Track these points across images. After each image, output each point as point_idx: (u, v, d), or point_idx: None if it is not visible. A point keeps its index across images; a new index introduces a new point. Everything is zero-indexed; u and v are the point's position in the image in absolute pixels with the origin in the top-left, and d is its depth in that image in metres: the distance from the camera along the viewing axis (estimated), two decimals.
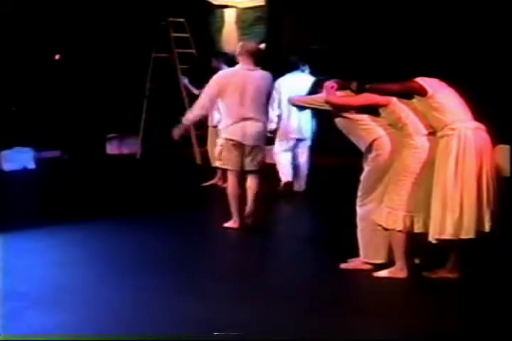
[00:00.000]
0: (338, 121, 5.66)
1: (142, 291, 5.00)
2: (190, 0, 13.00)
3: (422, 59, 6.16)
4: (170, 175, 10.98)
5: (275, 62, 9.53)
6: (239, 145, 6.91)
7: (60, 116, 12.60)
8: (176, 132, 7.26)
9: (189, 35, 12.63)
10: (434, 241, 5.13)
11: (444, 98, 5.23)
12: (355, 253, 5.61)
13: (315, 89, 5.83)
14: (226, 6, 13.34)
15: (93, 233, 6.82)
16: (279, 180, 9.14)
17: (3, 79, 11.51)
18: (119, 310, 4.64)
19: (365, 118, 5.51)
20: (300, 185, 9.33)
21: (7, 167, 11.14)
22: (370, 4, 10.82)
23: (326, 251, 6.19)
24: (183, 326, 4.34)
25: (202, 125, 10.15)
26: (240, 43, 7.25)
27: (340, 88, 5.56)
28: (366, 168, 5.53)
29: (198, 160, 11.86)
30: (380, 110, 5.43)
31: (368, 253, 5.57)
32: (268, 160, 7.85)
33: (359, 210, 5.57)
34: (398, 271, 5.34)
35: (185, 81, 10.83)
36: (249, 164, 7.02)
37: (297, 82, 8.34)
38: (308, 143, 9.31)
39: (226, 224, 7.03)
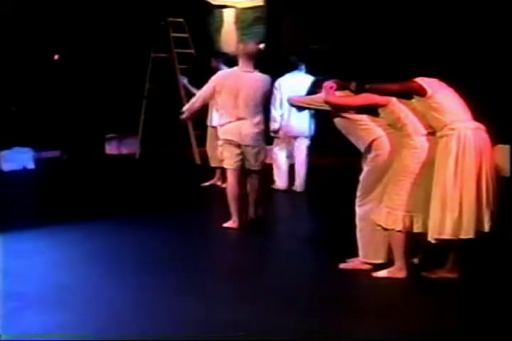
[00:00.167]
0: (337, 121, 5.66)
1: (142, 291, 5.00)
2: (189, 0, 13.00)
3: (422, 59, 6.15)
4: (169, 175, 10.98)
5: (274, 62, 9.53)
6: (238, 146, 6.95)
7: (59, 116, 12.61)
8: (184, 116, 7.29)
9: (188, 35, 12.64)
10: (433, 241, 5.13)
11: (444, 98, 5.23)
12: (355, 253, 5.61)
13: (314, 89, 5.83)
14: (225, 6, 13.33)
15: (93, 233, 6.83)
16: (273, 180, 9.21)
17: (2, 79, 11.51)
18: (119, 309, 4.64)
19: (364, 118, 5.50)
20: (299, 185, 9.34)
21: (6, 167, 11.15)
22: (369, 4, 10.82)
23: (325, 251, 6.19)
24: (183, 326, 4.35)
25: (201, 125, 10.17)
26: (241, 45, 7.29)
27: (340, 88, 5.57)
28: (365, 168, 5.53)
29: (197, 160, 11.87)
30: (380, 110, 5.43)
31: (367, 254, 5.56)
32: (268, 161, 7.88)
33: (358, 210, 5.56)
34: (397, 271, 5.34)
35: (185, 81, 10.83)
36: (251, 164, 7.07)
37: (297, 82, 8.37)
38: (306, 142, 9.32)
39: (225, 224, 7.05)
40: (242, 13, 13.12)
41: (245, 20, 13.05)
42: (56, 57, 13.18)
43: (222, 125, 7.02)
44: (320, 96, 5.65)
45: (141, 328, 4.28)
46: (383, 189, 5.39)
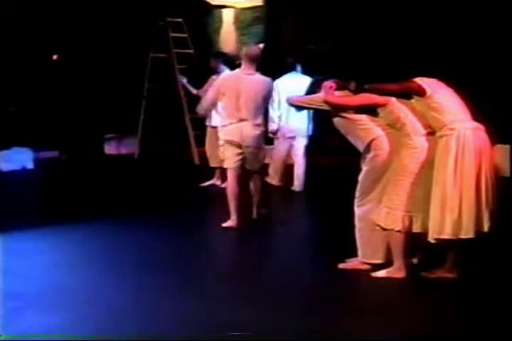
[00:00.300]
0: (336, 121, 5.66)
1: (142, 291, 5.01)
2: (188, 0, 13.01)
3: (421, 59, 6.16)
4: (168, 175, 10.99)
5: (274, 62, 9.53)
6: (239, 146, 7.03)
7: (58, 117, 12.62)
8: None
9: (187, 35, 12.64)
10: (433, 241, 5.14)
11: (443, 98, 5.23)
12: (354, 254, 5.61)
13: (313, 89, 5.83)
14: (224, 6, 13.36)
15: (93, 233, 6.84)
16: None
17: (1, 79, 11.51)
18: (119, 309, 4.64)
19: (363, 118, 5.50)
20: (298, 185, 9.36)
21: (5, 167, 11.16)
22: (368, 4, 10.83)
23: (324, 251, 6.20)
24: (183, 326, 4.35)
25: (200, 125, 10.18)
26: (243, 48, 7.39)
27: (339, 88, 5.56)
28: (364, 168, 5.53)
29: (196, 160, 11.87)
30: (379, 110, 5.43)
31: (366, 253, 5.57)
32: (267, 161, 7.90)
33: (357, 210, 5.56)
34: (396, 271, 5.35)
35: (184, 81, 10.83)
36: (251, 164, 7.16)
37: (294, 83, 8.41)
38: (304, 142, 9.34)
39: (224, 224, 7.06)
40: (241, 13, 13.14)
41: (244, 21, 13.07)
42: (55, 57, 13.18)
43: (224, 126, 7.11)
44: (319, 96, 5.65)
45: (141, 328, 4.28)
46: (382, 189, 5.39)
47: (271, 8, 12.67)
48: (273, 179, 9.31)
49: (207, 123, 9.73)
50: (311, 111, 8.07)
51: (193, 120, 11.95)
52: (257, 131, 7.07)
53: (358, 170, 5.60)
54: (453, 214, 5.00)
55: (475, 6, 9.72)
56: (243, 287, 5.22)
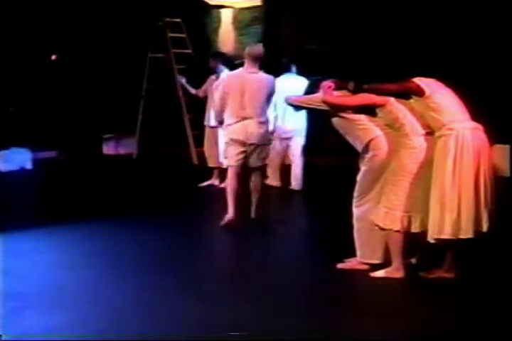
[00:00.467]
0: (335, 121, 5.67)
1: (142, 291, 5.01)
2: (186, 0, 13.02)
3: (420, 59, 6.17)
4: (167, 175, 10.98)
5: (272, 62, 9.53)
6: (243, 144, 7.11)
7: (56, 117, 12.61)
8: None
9: (186, 35, 12.64)
10: (432, 241, 5.14)
11: (442, 98, 5.24)
12: (352, 254, 5.62)
13: (312, 89, 5.84)
14: (223, 6, 13.36)
15: (93, 233, 6.85)
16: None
17: (0, 79, 11.51)
18: (119, 309, 4.65)
19: (362, 118, 5.51)
20: (297, 185, 9.37)
21: (4, 167, 11.15)
22: (367, 4, 10.84)
23: (323, 251, 6.20)
24: (183, 326, 4.36)
25: (198, 125, 10.19)
26: (247, 47, 7.44)
27: (338, 88, 5.57)
28: (363, 168, 5.54)
29: (195, 160, 11.87)
30: (377, 110, 5.44)
31: (364, 254, 5.57)
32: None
33: (356, 210, 5.57)
34: (395, 271, 5.35)
35: (183, 80, 10.84)
36: (254, 162, 7.24)
37: (289, 83, 8.44)
38: (302, 142, 9.36)
39: (222, 222, 7.07)
40: (239, 13, 13.15)
41: (243, 21, 13.08)
42: (53, 57, 13.18)
43: (229, 125, 7.17)
44: (318, 96, 5.65)
45: (142, 328, 4.29)
46: (381, 189, 5.40)
47: (269, 8, 12.68)
48: (271, 179, 9.32)
49: (205, 123, 9.74)
50: (308, 112, 8.07)
51: (191, 120, 11.97)
52: (262, 129, 7.17)
53: (357, 170, 5.60)
54: (452, 214, 5.01)
55: (473, 6, 9.73)
56: (243, 287, 5.23)
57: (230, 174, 7.22)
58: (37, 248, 6.22)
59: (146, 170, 11.67)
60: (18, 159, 11.49)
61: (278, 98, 8.49)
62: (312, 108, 5.97)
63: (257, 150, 7.19)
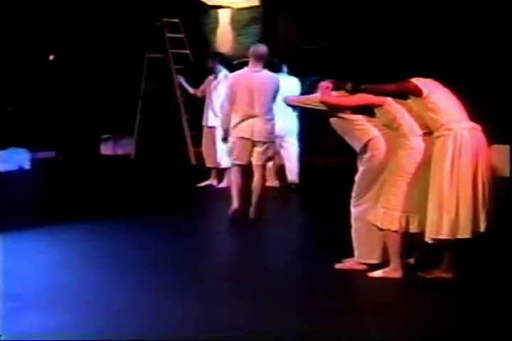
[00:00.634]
0: (333, 121, 5.67)
1: (142, 291, 5.02)
2: (184, 0, 13.02)
3: (418, 59, 6.19)
4: (165, 175, 10.99)
5: (271, 62, 9.54)
6: (249, 142, 7.23)
7: (55, 117, 12.62)
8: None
9: (183, 35, 12.66)
10: (430, 241, 5.15)
11: (440, 98, 5.24)
12: (350, 254, 5.63)
13: (310, 89, 5.85)
14: (220, 7, 13.36)
15: (92, 233, 6.86)
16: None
17: None
18: (119, 309, 4.66)
19: (360, 118, 5.51)
20: (292, 177, 9.39)
21: (2, 167, 11.15)
22: (365, 4, 10.85)
23: (321, 252, 6.20)
24: (183, 326, 4.37)
25: (197, 125, 10.20)
26: (252, 47, 7.52)
27: (336, 88, 5.57)
28: (361, 168, 5.54)
29: (193, 160, 11.88)
30: (375, 110, 5.44)
31: (362, 254, 5.57)
32: None
33: (354, 210, 5.57)
34: (393, 271, 5.35)
35: (181, 80, 10.85)
36: (257, 159, 7.33)
37: (281, 83, 8.42)
38: (295, 141, 9.38)
39: (229, 212, 7.20)
40: (237, 14, 13.15)
41: (241, 21, 13.08)
42: (52, 57, 13.19)
43: (236, 125, 7.26)
44: (316, 96, 5.66)
45: (142, 328, 4.30)
46: (379, 189, 5.40)
47: (267, 9, 12.69)
48: (268, 180, 9.33)
49: (203, 123, 9.74)
50: (298, 111, 8.07)
51: (189, 120, 11.98)
52: (268, 126, 7.29)
53: (355, 170, 5.61)
54: (450, 214, 5.02)
55: (472, 6, 9.74)
56: (243, 287, 5.24)
57: (236, 172, 7.35)
58: (37, 248, 6.23)
59: (144, 170, 11.68)
60: (16, 159, 11.51)
61: None
62: (310, 108, 5.98)
63: (263, 147, 7.29)
